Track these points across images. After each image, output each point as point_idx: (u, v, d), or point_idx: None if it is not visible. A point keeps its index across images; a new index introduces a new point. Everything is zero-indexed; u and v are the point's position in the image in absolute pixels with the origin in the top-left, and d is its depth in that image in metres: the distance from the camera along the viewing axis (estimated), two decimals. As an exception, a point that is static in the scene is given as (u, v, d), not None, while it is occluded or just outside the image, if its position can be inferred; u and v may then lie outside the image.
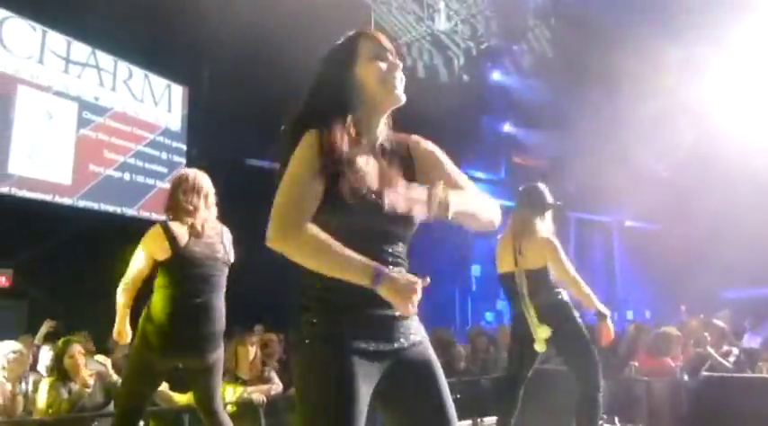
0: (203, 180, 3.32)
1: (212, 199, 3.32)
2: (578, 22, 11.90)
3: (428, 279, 1.58)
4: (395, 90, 1.74)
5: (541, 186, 4.13)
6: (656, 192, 12.60)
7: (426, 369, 1.71)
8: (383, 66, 1.74)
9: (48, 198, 8.44)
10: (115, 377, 4.35)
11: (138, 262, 3.17)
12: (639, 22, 10.72)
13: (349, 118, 1.69)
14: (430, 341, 1.80)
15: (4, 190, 7.96)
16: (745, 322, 8.47)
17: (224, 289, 3.30)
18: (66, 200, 8.67)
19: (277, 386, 4.81)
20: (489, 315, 14.16)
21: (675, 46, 10.38)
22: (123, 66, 9.69)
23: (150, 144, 9.92)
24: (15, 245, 8.01)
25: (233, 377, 4.70)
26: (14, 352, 4.32)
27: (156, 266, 3.17)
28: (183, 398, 4.39)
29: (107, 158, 9.27)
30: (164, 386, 4.26)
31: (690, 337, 6.55)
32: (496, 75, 14.76)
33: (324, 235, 1.57)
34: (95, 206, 8.98)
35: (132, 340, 3.23)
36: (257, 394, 4.60)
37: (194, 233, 3.18)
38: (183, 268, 3.14)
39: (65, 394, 4.08)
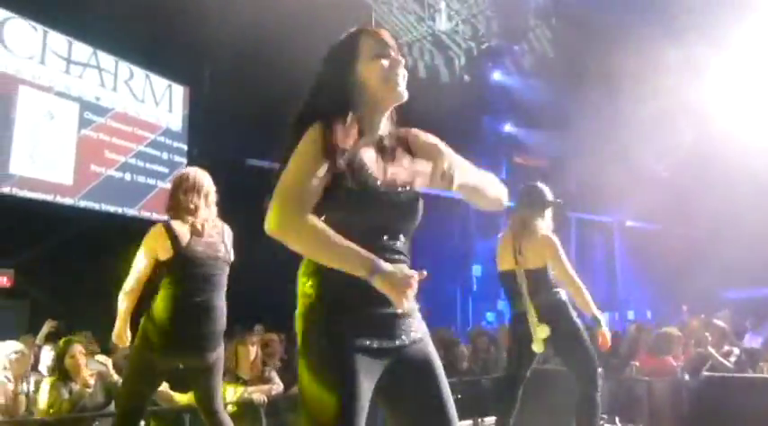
0: (204, 179, 3.32)
1: (213, 197, 3.32)
2: (579, 22, 11.90)
3: (425, 273, 1.58)
4: (397, 87, 1.75)
5: (541, 185, 4.13)
6: (657, 192, 12.60)
7: (427, 366, 1.72)
8: (385, 63, 1.74)
9: (49, 198, 8.45)
10: (116, 376, 4.35)
11: (141, 263, 3.17)
12: (640, 22, 10.73)
13: (351, 115, 1.70)
14: (432, 342, 1.80)
15: (6, 190, 7.97)
16: (747, 322, 8.47)
17: (225, 288, 3.30)
18: (68, 201, 8.68)
19: (278, 386, 4.81)
20: (490, 316, 14.15)
21: (676, 46, 10.38)
22: (124, 67, 9.70)
23: (151, 144, 9.93)
24: (16, 245, 8.02)
25: (233, 376, 4.70)
26: (16, 352, 4.33)
27: (158, 266, 3.17)
28: (183, 398, 4.39)
29: (108, 158, 9.28)
30: (164, 386, 4.26)
31: (691, 337, 6.55)
32: (497, 76, 14.77)
33: (323, 226, 1.58)
34: (96, 206, 8.99)
35: (133, 340, 3.23)
36: (258, 394, 4.60)
37: (195, 232, 3.19)
38: (184, 267, 3.15)
39: (66, 394, 4.08)
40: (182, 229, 3.16)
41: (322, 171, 1.62)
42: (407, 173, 1.74)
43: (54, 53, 8.80)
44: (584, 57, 11.62)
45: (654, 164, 13.76)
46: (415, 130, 1.84)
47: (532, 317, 3.81)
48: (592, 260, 16.36)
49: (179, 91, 10.51)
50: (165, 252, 3.13)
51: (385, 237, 1.69)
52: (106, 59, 9.45)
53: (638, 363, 6.05)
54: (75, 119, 8.94)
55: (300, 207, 1.59)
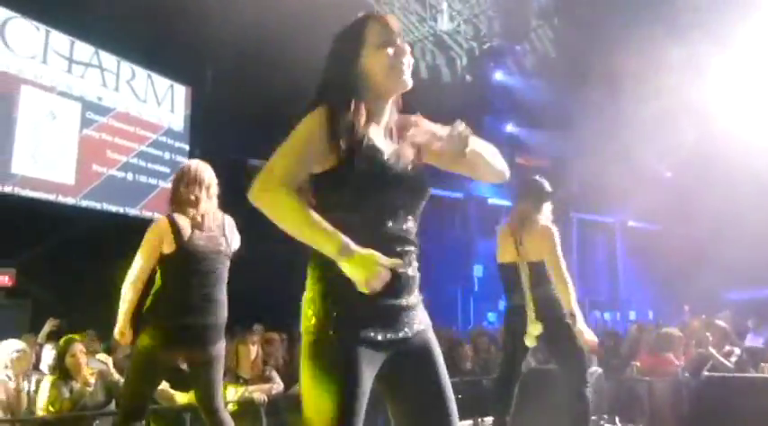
0: (205, 171, 3.33)
1: (215, 190, 3.33)
2: (581, 22, 11.90)
3: (400, 262, 1.59)
4: (402, 75, 1.75)
5: (540, 178, 4.15)
6: (659, 193, 12.60)
7: (427, 355, 1.74)
8: (390, 51, 1.75)
9: (51, 197, 8.46)
10: (116, 375, 4.36)
11: (146, 255, 3.16)
12: (642, 21, 10.71)
13: (357, 101, 1.71)
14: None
15: (8, 189, 7.99)
16: (749, 321, 8.46)
17: (225, 281, 3.32)
18: (70, 200, 8.70)
19: (278, 386, 4.82)
20: (491, 316, 14.15)
21: (679, 45, 10.37)
22: (126, 67, 9.71)
23: (153, 144, 9.95)
24: (18, 245, 8.04)
25: (234, 376, 4.71)
26: (17, 351, 4.34)
27: (160, 259, 3.18)
28: (184, 397, 4.40)
29: (110, 158, 9.30)
30: (164, 386, 4.27)
31: (692, 337, 6.54)
32: (499, 76, 14.77)
33: (302, 202, 1.60)
34: (98, 206, 9.01)
35: (133, 341, 3.24)
36: (258, 393, 4.61)
37: (196, 225, 3.20)
38: (186, 261, 3.16)
39: (66, 393, 4.09)
40: (184, 223, 3.17)
41: (315, 153, 1.65)
42: (415, 151, 1.77)
43: (56, 53, 8.82)
44: (586, 56, 11.61)
45: (656, 165, 13.76)
46: (416, 116, 1.85)
47: (531, 310, 3.82)
48: (594, 260, 16.36)
49: (181, 91, 10.52)
50: (168, 246, 3.15)
51: (392, 222, 1.69)
52: (108, 59, 9.47)
53: (638, 363, 6.04)
54: (77, 119, 8.95)
55: (283, 179, 1.61)
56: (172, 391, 4.43)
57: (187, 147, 10.33)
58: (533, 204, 4.02)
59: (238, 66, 9.44)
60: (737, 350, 6.01)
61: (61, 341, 4.39)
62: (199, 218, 3.21)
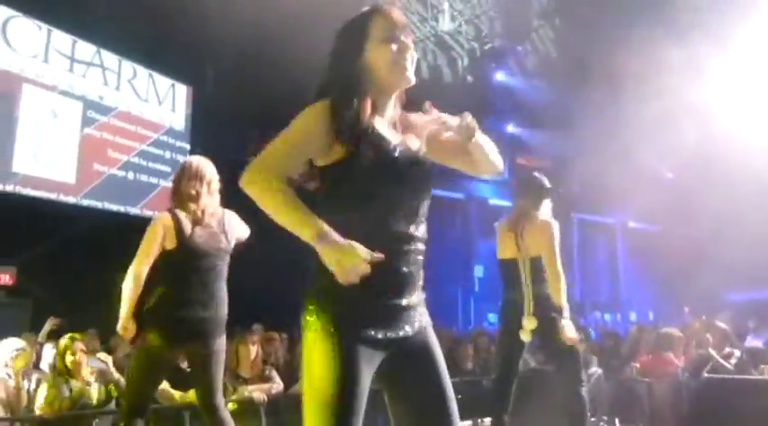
0: (206, 167, 3.35)
1: (216, 185, 3.34)
2: (582, 22, 11.89)
3: (381, 256, 1.58)
4: (405, 72, 1.76)
5: (539, 175, 4.16)
6: (660, 193, 12.59)
7: (426, 354, 1.74)
8: (394, 47, 1.75)
9: (52, 196, 8.47)
10: (116, 375, 4.37)
11: (148, 250, 3.14)
12: (643, 22, 10.71)
13: (361, 95, 1.72)
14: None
15: (9, 188, 8.00)
16: (749, 322, 8.46)
17: (225, 276, 3.33)
18: (71, 199, 8.71)
19: (278, 385, 4.82)
20: (492, 316, 14.12)
21: (679, 46, 10.37)
22: (128, 66, 9.72)
23: (154, 143, 9.95)
24: (19, 243, 8.04)
25: (234, 375, 4.71)
26: (17, 349, 4.34)
27: (159, 255, 3.18)
28: (184, 396, 4.40)
29: (111, 157, 9.30)
30: (165, 385, 4.27)
31: (692, 338, 6.54)
32: (500, 76, 14.77)
33: (290, 192, 1.61)
34: (99, 204, 9.02)
35: (136, 335, 3.24)
36: (258, 392, 4.61)
37: (196, 220, 3.20)
38: (186, 258, 3.18)
39: (66, 392, 4.10)
40: (185, 220, 3.18)
41: (314, 144, 1.66)
42: (438, 123, 1.79)
43: (58, 52, 8.83)
44: (587, 57, 11.61)
45: (657, 165, 13.75)
46: (415, 115, 1.86)
47: (529, 305, 3.82)
48: (594, 261, 16.36)
49: (182, 90, 10.53)
50: (170, 242, 3.16)
51: (401, 213, 1.69)
52: (110, 58, 9.48)
53: (638, 364, 6.04)
54: (79, 118, 8.96)
55: (276, 168, 1.62)
56: (172, 390, 4.43)
57: (188, 147, 10.34)
58: (533, 201, 4.03)
59: (239, 65, 9.44)
60: (737, 352, 6.00)
61: (61, 340, 4.39)
62: (199, 213, 3.22)
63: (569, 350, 3.83)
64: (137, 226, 3.45)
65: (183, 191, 3.25)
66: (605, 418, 5.84)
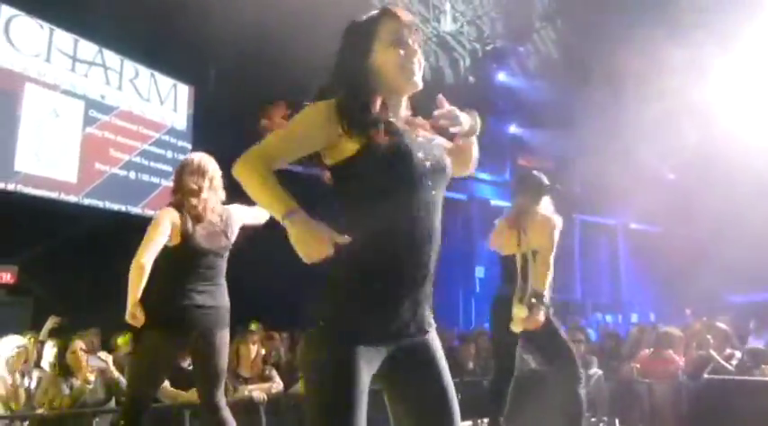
0: (209, 163, 3.35)
1: (218, 182, 3.34)
2: (584, 23, 11.89)
3: (347, 238, 1.58)
4: (413, 76, 1.76)
5: (537, 173, 4.17)
6: (661, 195, 12.58)
7: (429, 357, 1.73)
8: (402, 51, 1.75)
9: (53, 195, 8.47)
10: (116, 373, 4.38)
11: (156, 239, 3.12)
12: (645, 22, 10.70)
13: (371, 95, 1.72)
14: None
15: (11, 187, 8.00)
16: (750, 323, 8.46)
17: (224, 269, 3.33)
18: (72, 198, 8.71)
19: (278, 385, 4.83)
20: (493, 317, 14.12)
21: (682, 46, 10.36)
22: (130, 65, 9.73)
23: (156, 143, 9.96)
24: (20, 242, 8.05)
25: (234, 375, 4.72)
26: (18, 347, 4.35)
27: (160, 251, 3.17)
28: (185, 396, 4.40)
29: (113, 157, 9.31)
30: (165, 384, 4.28)
31: (693, 339, 6.53)
32: (502, 77, 14.76)
33: (272, 177, 1.62)
34: (101, 204, 9.02)
35: (135, 342, 3.24)
36: (258, 392, 4.61)
37: (196, 215, 3.20)
38: (187, 257, 3.19)
39: (66, 390, 4.11)
40: (188, 218, 3.18)
41: (315, 139, 1.67)
42: (454, 115, 1.80)
43: (60, 51, 8.83)
44: (589, 58, 11.61)
45: (658, 166, 13.75)
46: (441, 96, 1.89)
47: (521, 295, 3.83)
48: (596, 262, 16.35)
49: (184, 90, 10.53)
50: (174, 238, 3.16)
51: (417, 213, 1.68)
52: (112, 58, 9.49)
53: (638, 365, 6.04)
54: (80, 118, 8.97)
55: (263, 153, 1.65)
56: (173, 390, 4.44)
57: (190, 146, 10.33)
58: (532, 197, 4.04)
59: (241, 65, 9.44)
60: (738, 354, 6.00)
61: (62, 339, 4.40)
62: (200, 209, 3.21)
63: (563, 350, 3.84)
64: (138, 226, 3.45)
65: (184, 186, 3.25)
66: (605, 419, 5.84)
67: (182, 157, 9.96)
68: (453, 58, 13.58)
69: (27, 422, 4.12)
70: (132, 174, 9.53)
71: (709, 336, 6.22)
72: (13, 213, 7.63)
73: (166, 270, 3.19)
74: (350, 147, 1.66)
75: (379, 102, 1.71)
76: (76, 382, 4.18)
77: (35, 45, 8.52)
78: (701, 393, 5.22)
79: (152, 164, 9.82)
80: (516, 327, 3.83)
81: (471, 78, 13.66)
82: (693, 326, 7.74)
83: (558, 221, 3.94)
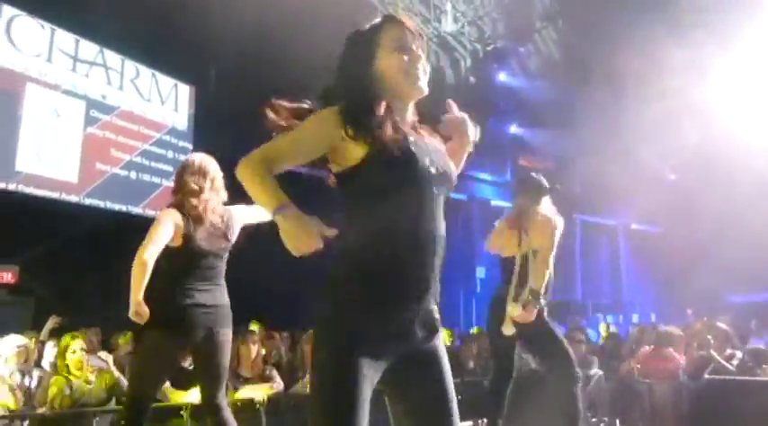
0: (210, 164, 3.35)
1: (219, 183, 3.33)
2: (585, 23, 11.88)
3: (333, 231, 1.60)
4: (417, 81, 1.76)
5: (536, 174, 4.18)
6: (662, 195, 12.58)
7: (432, 358, 1.73)
8: (405, 57, 1.75)
9: (54, 195, 8.48)
10: (117, 373, 4.38)
11: (159, 237, 3.10)
12: (646, 22, 10.70)
13: (376, 100, 1.73)
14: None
15: (12, 187, 8.01)
16: (752, 323, 8.46)
17: (224, 270, 3.33)
18: (73, 198, 8.72)
19: (278, 385, 4.83)
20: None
21: (683, 46, 10.36)
22: (131, 65, 9.74)
23: (157, 143, 9.97)
24: (22, 242, 8.05)
25: (235, 375, 4.72)
26: (18, 346, 4.35)
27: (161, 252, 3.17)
28: (185, 396, 4.41)
29: (114, 156, 9.32)
30: (166, 384, 4.28)
31: (693, 339, 6.53)
32: (503, 77, 14.77)
33: (270, 178, 1.65)
34: (102, 204, 9.03)
35: (138, 342, 3.24)
36: (259, 392, 4.61)
37: (197, 215, 3.20)
38: (188, 258, 3.18)
39: (66, 390, 4.10)
40: (190, 220, 3.18)
41: (319, 145, 1.69)
42: (438, 147, 1.81)
43: (61, 51, 8.85)
44: (590, 58, 11.61)
45: (659, 167, 13.74)
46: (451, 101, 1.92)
47: (511, 293, 3.84)
48: (597, 262, 16.34)
49: (185, 90, 10.54)
50: (176, 240, 3.16)
51: (423, 217, 1.69)
52: (113, 58, 9.50)
53: (639, 365, 6.03)
54: (82, 117, 8.98)
55: (264, 155, 1.68)
56: (173, 390, 4.44)
57: (191, 146, 10.34)
58: (532, 198, 4.05)
59: (242, 65, 9.44)
60: (739, 354, 5.99)
61: (62, 339, 4.40)
62: (200, 209, 3.21)
63: (557, 350, 3.85)
64: (139, 226, 3.45)
65: (185, 186, 3.25)
66: (606, 419, 5.84)
67: (183, 157, 9.99)
68: (454, 59, 13.58)
69: (27, 422, 4.12)
70: (133, 174, 9.54)
71: (709, 336, 6.22)
72: (14, 213, 7.64)
73: (167, 271, 3.19)
74: (356, 154, 1.66)
75: (383, 107, 1.72)
76: (77, 382, 4.18)
77: (36, 45, 8.53)
78: (701, 393, 5.22)
79: (153, 164, 9.82)
80: (507, 329, 3.84)
81: (472, 78, 13.66)
82: (694, 326, 7.74)
83: (560, 222, 3.94)
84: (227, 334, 3.27)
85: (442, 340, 1.80)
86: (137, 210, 9.42)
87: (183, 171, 3.30)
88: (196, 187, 3.23)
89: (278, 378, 4.87)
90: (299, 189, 1.77)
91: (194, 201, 3.21)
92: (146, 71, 9.95)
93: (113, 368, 4.47)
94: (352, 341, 1.61)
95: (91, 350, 4.71)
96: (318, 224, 1.58)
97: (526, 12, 13.43)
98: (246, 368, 4.81)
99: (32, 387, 4.45)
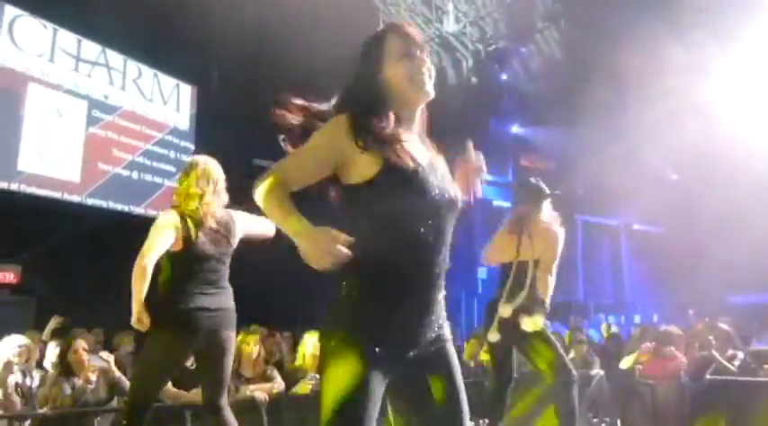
0: (213, 167, 3.36)
1: (222, 185, 3.35)
2: (586, 23, 11.88)
3: (349, 238, 1.59)
4: (424, 86, 1.79)
5: (536, 180, 4.18)
6: (664, 195, 12.57)
7: (441, 363, 1.75)
8: (410, 64, 1.78)
9: (56, 195, 8.50)
10: (118, 373, 4.38)
11: (158, 242, 3.12)
12: (648, 22, 10.69)
13: (385, 111, 1.75)
14: None
15: (14, 186, 8.03)
16: (754, 324, 8.44)
17: (228, 273, 3.34)
18: (75, 198, 8.74)
19: (279, 385, 4.82)
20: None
21: (685, 46, 10.34)
22: (133, 66, 9.75)
23: (158, 143, 9.98)
24: (24, 242, 8.07)
25: (236, 375, 4.72)
26: (20, 346, 4.36)
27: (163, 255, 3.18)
28: (187, 395, 4.41)
29: (116, 156, 9.33)
30: (168, 384, 4.28)
31: (695, 340, 6.52)
32: (504, 77, 14.76)
33: (287, 201, 1.65)
34: (104, 204, 9.05)
35: (138, 346, 3.25)
36: (260, 392, 4.61)
37: (199, 220, 3.20)
38: (190, 261, 3.18)
39: (68, 390, 4.11)
40: (190, 223, 3.18)
41: (331, 159, 1.69)
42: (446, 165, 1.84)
43: (63, 51, 8.86)
44: (591, 58, 11.60)
45: (661, 167, 13.73)
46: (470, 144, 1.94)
47: (513, 297, 3.85)
48: (598, 263, 16.33)
49: (186, 90, 10.56)
50: (176, 244, 3.16)
51: (428, 232, 1.70)
52: (115, 58, 9.51)
53: (640, 366, 6.03)
54: (84, 117, 9.00)
55: (280, 175, 1.68)
56: (174, 390, 4.44)
57: (192, 146, 10.37)
58: (533, 204, 4.05)
59: (244, 65, 9.46)
60: (741, 354, 5.98)
61: (63, 339, 4.41)
62: (202, 213, 3.22)
63: (558, 353, 3.86)
64: (141, 226, 3.46)
65: (188, 190, 3.26)
66: (607, 419, 5.83)
67: (184, 157, 10.07)
68: (456, 59, 13.56)
69: (29, 422, 4.13)
70: (135, 174, 9.55)
71: (711, 337, 6.21)
72: (16, 213, 7.66)
73: (170, 275, 3.19)
74: (367, 167, 1.67)
75: (392, 118, 1.73)
76: (78, 382, 4.18)
77: (39, 45, 8.55)
78: (703, 393, 5.21)
79: (155, 163, 9.84)
80: (492, 336, 3.87)
81: (474, 79, 13.65)
82: (696, 327, 7.72)
83: (561, 233, 3.95)
84: (230, 337, 3.28)
85: (452, 343, 1.82)
86: (139, 210, 9.44)
87: (187, 174, 3.30)
88: (199, 191, 3.24)
89: (279, 379, 4.86)
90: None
91: (197, 205, 3.21)
92: (148, 71, 9.97)
93: (115, 368, 4.47)
94: (364, 353, 1.63)
95: (92, 351, 4.71)
96: (333, 237, 1.57)
97: (528, 12, 13.42)
98: (248, 368, 4.81)
99: (34, 388, 4.45)
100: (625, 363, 5.99)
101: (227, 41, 8.87)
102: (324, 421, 1.64)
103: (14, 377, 4.30)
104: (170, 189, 9.06)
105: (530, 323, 3.82)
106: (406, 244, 1.67)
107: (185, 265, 3.19)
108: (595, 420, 5.80)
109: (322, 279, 1.71)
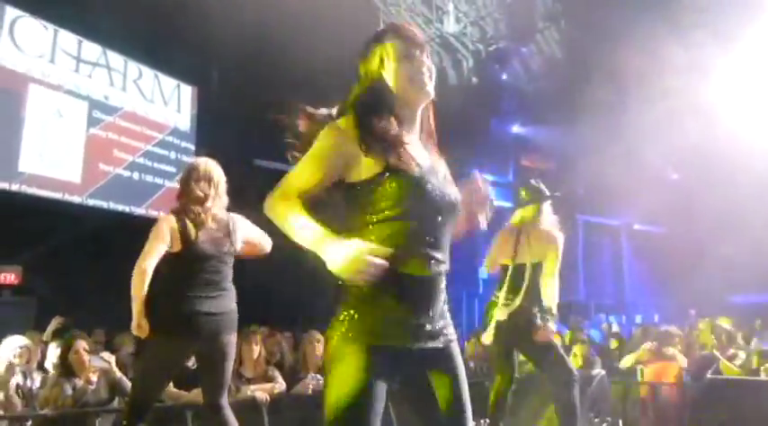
0: (215, 169, 3.36)
1: (223, 188, 3.35)
2: (587, 23, 11.88)
3: (389, 250, 1.60)
4: (424, 87, 1.79)
5: (536, 181, 4.18)
6: (665, 195, 12.56)
7: (445, 364, 1.76)
8: (410, 64, 1.78)
9: (57, 196, 8.50)
10: (119, 373, 4.38)
11: (155, 247, 3.13)
12: (649, 22, 10.69)
13: (386, 112, 1.76)
14: None
15: (15, 187, 8.03)
16: (755, 324, 8.44)
17: (231, 274, 3.34)
18: (76, 199, 8.74)
19: (280, 385, 4.83)
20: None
21: (685, 46, 10.34)
22: (133, 66, 9.76)
23: (159, 143, 9.98)
24: (24, 243, 8.07)
25: (237, 375, 4.72)
26: (21, 347, 4.36)
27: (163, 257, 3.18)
28: (187, 396, 4.41)
29: (116, 157, 9.34)
30: (168, 385, 4.28)
31: (696, 340, 6.53)
32: (505, 77, 14.76)
33: (297, 209, 1.65)
34: (104, 204, 9.05)
35: (139, 347, 3.25)
36: (260, 392, 4.62)
37: (200, 223, 3.20)
38: (190, 262, 3.19)
39: (68, 391, 4.11)
40: (189, 224, 3.19)
41: (337, 162, 1.69)
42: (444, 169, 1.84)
43: (64, 52, 8.87)
44: (592, 58, 11.60)
45: (662, 167, 13.72)
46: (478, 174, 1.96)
47: (503, 298, 3.86)
48: (599, 263, 16.32)
49: (187, 91, 10.56)
50: (175, 245, 3.17)
51: (428, 232, 1.71)
52: (115, 59, 9.52)
53: (641, 366, 6.03)
54: (84, 118, 9.00)
55: (291, 190, 1.69)
56: (175, 390, 4.44)
57: (193, 147, 10.37)
58: (533, 207, 4.05)
59: (244, 66, 9.46)
60: (742, 354, 5.98)
61: (64, 339, 4.41)
62: (203, 216, 3.22)
63: (548, 348, 3.87)
64: (142, 227, 3.46)
65: (190, 193, 3.26)
66: (609, 419, 5.83)
67: (185, 158, 10.08)
68: (456, 59, 13.57)
69: (30, 423, 4.13)
70: (136, 175, 9.56)
71: (712, 336, 6.22)
72: (16, 213, 7.66)
73: (171, 277, 3.20)
74: (370, 167, 1.68)
75: (394, 123, 1.74)
76: (79, 382, 4.19)
77: (39, 46, 8.55)
78: (704, 393, 5.21)
79: (156, 164, 9.84)
80: (486, 338, 3.89)
81: (474, 79, 13.65)
82: (697, 326, 7.73)
83: (561, 237, 3.96)
84: (231, 340, 3.28)
85: (456, 342, 1.83)
86: (139, 211, 9.44)
87: (189, 176, 3.31)
88: (201, 194, 3.25)
89: (280, 379, 4.87)
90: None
91: (198, 208, 3.22)
92: (148, 72, 9.97)
93: (116, 369, 4.47)
94: (365, 352, 1.63)
95: (93, 351, 4.71)
96: (367, 257, 1.55)
97: (528, 12, 13.43)
98: (249, 368, 4.81)
99: (35, 389, 4.45)
100: (625, 363, 5.99)
101: (227, 41, 8.87)
102: (327, 421, 1.65)
103: (16, 379, 4.31)
104: (171, 189, 9.06)
105: (487, 336, 3.86)
106: (405, 244, 1.67)
107: (186, 265, 3.20)
108: (597, 420, 5.80)
109: (322, 280, 1.71)
